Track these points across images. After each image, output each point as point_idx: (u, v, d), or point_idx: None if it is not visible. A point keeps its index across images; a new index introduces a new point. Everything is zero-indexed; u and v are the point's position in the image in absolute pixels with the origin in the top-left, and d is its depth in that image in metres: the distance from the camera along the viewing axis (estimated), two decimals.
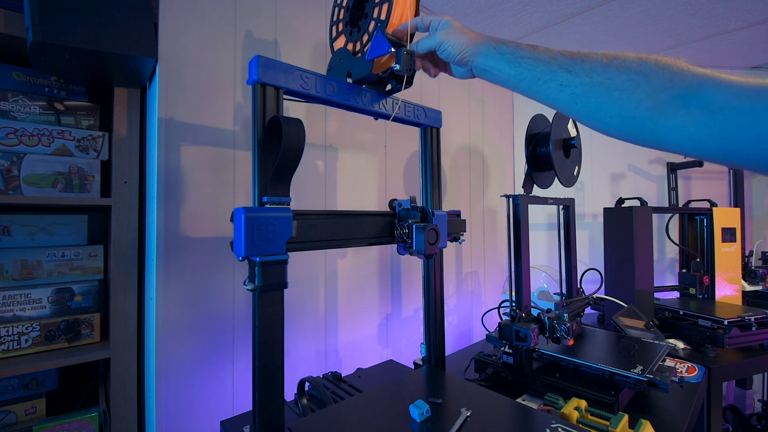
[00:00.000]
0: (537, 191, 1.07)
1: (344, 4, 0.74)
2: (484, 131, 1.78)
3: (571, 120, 1.09)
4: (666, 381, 0.75)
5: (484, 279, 1.73)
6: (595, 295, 1.26)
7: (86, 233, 0.98)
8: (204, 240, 0.88)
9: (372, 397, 0.69)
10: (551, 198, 1.09)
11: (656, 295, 1.46)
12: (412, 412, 0.61)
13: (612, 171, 1.97)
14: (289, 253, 0.57)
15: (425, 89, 1.46)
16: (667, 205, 1.82)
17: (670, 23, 1.54)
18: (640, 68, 0.41)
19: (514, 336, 0.87)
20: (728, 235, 1.51)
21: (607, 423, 0.69)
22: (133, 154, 0.87)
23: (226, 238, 0.91)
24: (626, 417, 0.70)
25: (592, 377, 0.86)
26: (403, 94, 0.75)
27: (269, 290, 0.55)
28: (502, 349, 0.95)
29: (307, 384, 0.78)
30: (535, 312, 0.95)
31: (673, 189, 1.81)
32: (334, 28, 0.76)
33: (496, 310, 1.09)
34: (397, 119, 0.78)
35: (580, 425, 0.66)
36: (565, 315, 0.89)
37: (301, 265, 1.06)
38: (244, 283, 0.56)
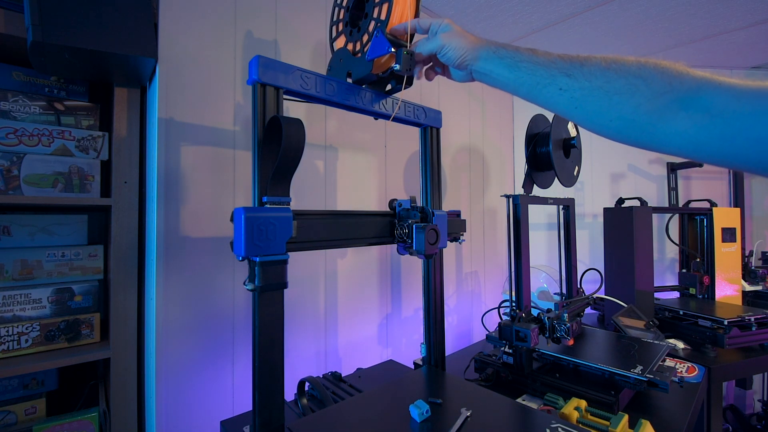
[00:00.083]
0: (537, 191, 1.07)
1: (344, 4, 0.74)
2: (484, 131, 1.78)
3: None
4: (666, 381, 0.75)
5: (484, 279, 1.73)
6: (595, 295, 1.26)
7: (86, 233, 0.98)
8: (204, 240, 0.88)
9: (372, 397, 0.69)
10: (551, 198, 1.09)
11: (656, 295, 1.46)
12: (412, 412, 0.61)
13: (612, 171, 1.97)
14: (289, 253, 0.57)
15: (425, 89, 1.46)
16: (667, 205, 1.82)
17: (670, 23, 1.54)
18: (639, 72, 0.41)
19: (514, 336, 0.87)
20: (728, 235, 1.51)
21: (607, 423, 0.69)
22: (133, 154, 0.87)
23: (226, 238, 0.91)
24: (626, 417, 0.70)
25: (592, 377, 0.86)
26: (403, 94, 0.75)
27: (269, 290, 0.55)
28: (502, 349, 0.95)
29: (307, 384, 0.78)
30: (535, 312, 0.95)
31: (673, 189, 1.81)
32: (334, 28, 0.76)
33: (496, 310, 1.09)
34: (397, 119, 0.78)
35: (580, 425, 0.66)
36: (565, 315, 0.89)
37: (301, 265, 1.06)
38: (244, 283, 0.56)
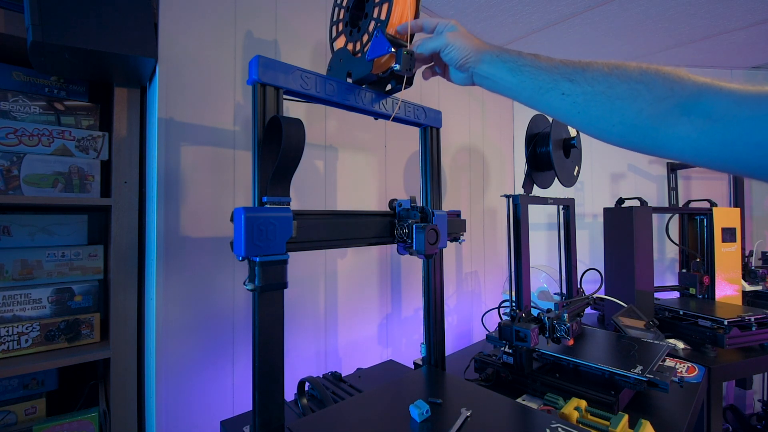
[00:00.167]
0: (537, 191, 1.07)
1: (344, 4, 0.74)
2: (484, 131, 1.78)
3: None
4: (666, 381, 0.75)
5: (484, 279, 1.73)
6: (595, 295, 1.26)
7: (86, 233, 0.98)
8: (204, 240, 0.88)
9: (372, 397, 0.69)
10: (551, 198, 1.09)
11: (656, 295, 1.46)
12: (412, 412, 0.61)
13: (612, 171, 1.97)
14: (289, 253, 0.57)
15: (425, 89, 1.46)
16: (667, 205, 1.82)
17: (670, 23, 1.54)
18: (641, 77, 0.41)
19: (514, 336, 0.87)
20: (728, 235, 1.51)
21: (607, 423, 0.69)
22: (133, 154, 0.87)
23: (226, 238, 0.91)
24: (626, 417, 0.70)
25: (592, 377, 0.86)
26: (403, 94, 0.75)
27: (269, 290, 0.55)
28: (502, 349, 0.95)
29: (307, 384, 0.78)
30: (535, 312, 0.95)
31: (673, 189, 1.81)
32: (334, 28, 0.76)
33: (496, 310, 1.09)
34: (397, 119, 0.78)
35: (580, 425, 0.66)
36: (565, 315, 0.89)
37: (301, 265, 1.06)
38: (244, 283, 0.56)
